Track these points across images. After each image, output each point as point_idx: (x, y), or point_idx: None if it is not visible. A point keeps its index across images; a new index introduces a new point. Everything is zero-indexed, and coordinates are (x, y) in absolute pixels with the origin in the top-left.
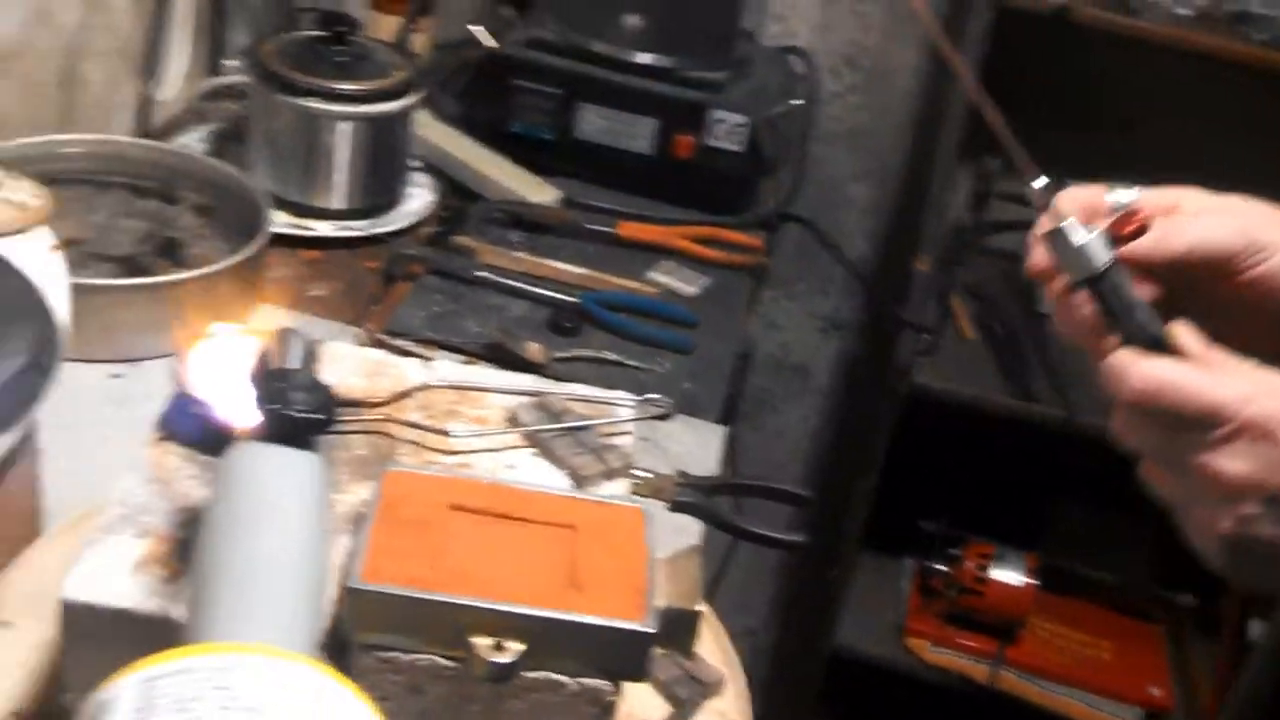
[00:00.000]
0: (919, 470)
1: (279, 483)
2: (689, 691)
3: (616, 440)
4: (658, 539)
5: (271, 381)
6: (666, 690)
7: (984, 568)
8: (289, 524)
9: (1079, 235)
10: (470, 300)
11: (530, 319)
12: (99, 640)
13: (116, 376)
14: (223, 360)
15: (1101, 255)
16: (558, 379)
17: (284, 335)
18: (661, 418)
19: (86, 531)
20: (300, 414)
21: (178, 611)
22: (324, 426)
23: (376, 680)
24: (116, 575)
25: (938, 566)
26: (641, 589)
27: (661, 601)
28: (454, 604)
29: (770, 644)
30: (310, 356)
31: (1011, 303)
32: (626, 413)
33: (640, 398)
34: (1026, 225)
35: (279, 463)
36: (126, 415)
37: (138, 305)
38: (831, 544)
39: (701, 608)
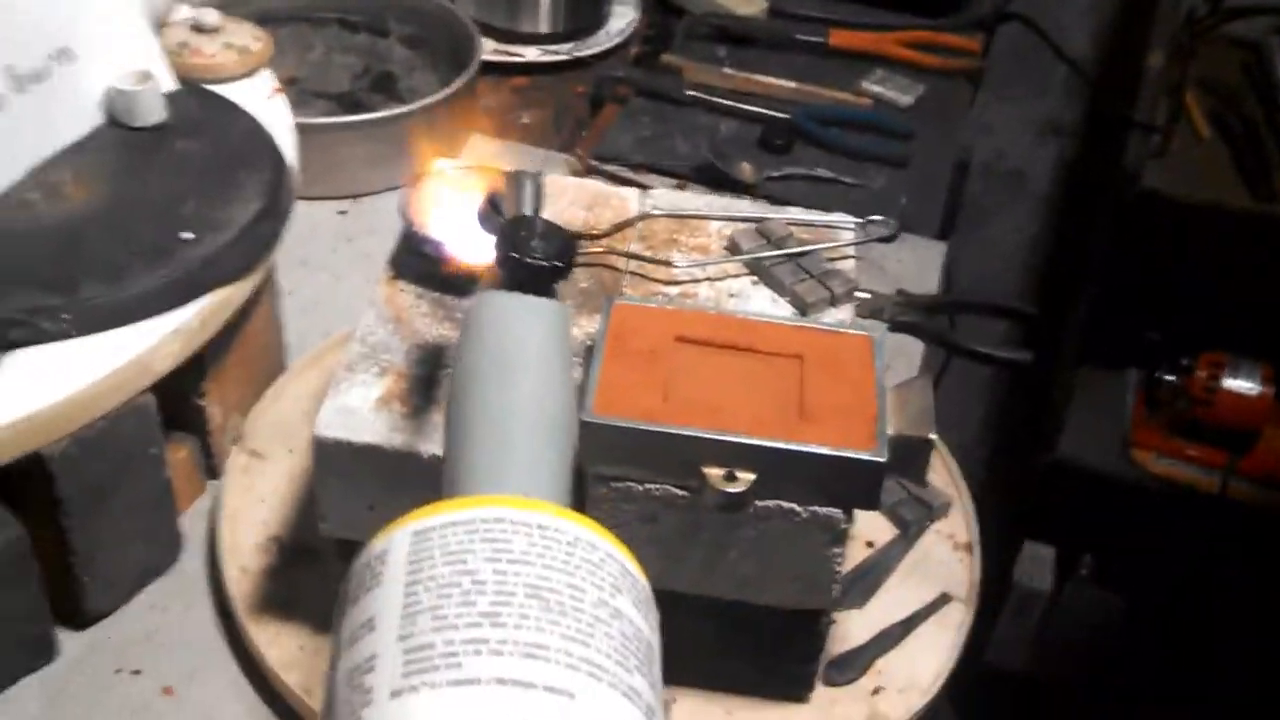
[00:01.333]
0: (1145, 277)
1: (526, 332)
2: (915, 514)
3: (839, 265)
4: (886, 367)
5: (511, 229)
6: (893, 513)
7: (1216, 377)
8: (539, 372)
9: None
10: (679, 121)
11: (741, 137)
12: (348, 473)
13: (342, 213)
14: (449, 197)
15: None
16: (771, 198)
17: (516, 178)
18: (885, 239)
19: (329, 367)
20: (541, 261)
21: (421, 445)
22: (564, 274)
23: (610, 509)
24: (362, 412)
25: (1166, 377)
26: (872, 418)
27: (892, 430)
28: (685, 435)
29: (989, 454)
30: (540, 198)
31: (1251, 96)
32: (849, 236)
33: (863, 220)
34: (1269, 10)
35: (525, 311)
36: (354, 250)
37: (358, 141)
38: (1052, 356)
39: (933, 436)
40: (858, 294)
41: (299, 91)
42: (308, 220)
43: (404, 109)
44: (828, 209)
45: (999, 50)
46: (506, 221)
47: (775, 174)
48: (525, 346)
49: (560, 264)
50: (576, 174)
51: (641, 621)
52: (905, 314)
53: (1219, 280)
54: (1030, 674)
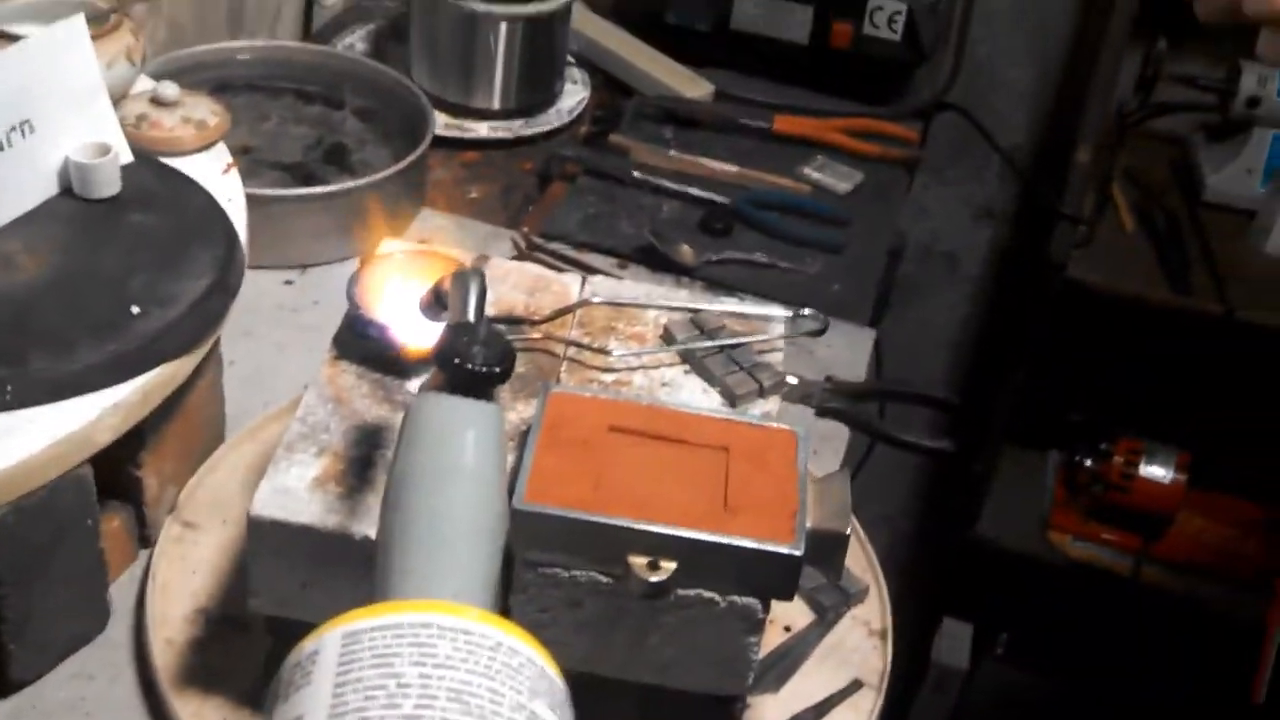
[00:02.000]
0: (1068, 362)
1: (463, 436)
2: (832, 600)
3: (769, 357)
4: (809, 460)
5: (454, 334)
6: (811, 599)
7: (1133, 464)
8: (473, 477)
9: None
10: (624, 201)
11: (683, 219)
12: (282, 552)
13: (289, 283)
14: (396, 281)
15: None
16: (709, 281)
17: (460, 280)
18: (815, 334)
19: (268, 440)
20: (481, 368)
21: (355, 527)
22: (503, 379)
23: (537, 594)
24: (298, 492)
25: (1085, 461)
26: (792, 511)
27: (811, 523)
28: (613, 525)
29: (910, 532)
30: (483, 300)
31: (1175, 190)
32: (779, 328)
33: (793, 312)
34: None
35: (463, 415)
36: (298, 321)
37: (309, 213)
38: (976, 435)
39: (849, 530)
40: (787, 381)
41: (252, 161)
42: (253, 289)
43: (355, 182)
44: (763, 293)
45: (937, 137)
46: (450, 326)
47: (714, 257)
48: (461, 451)
49: (500, 370)
50: (521, 251)
51: None
52: (833, 400)
53: (1139, 369)
54: None
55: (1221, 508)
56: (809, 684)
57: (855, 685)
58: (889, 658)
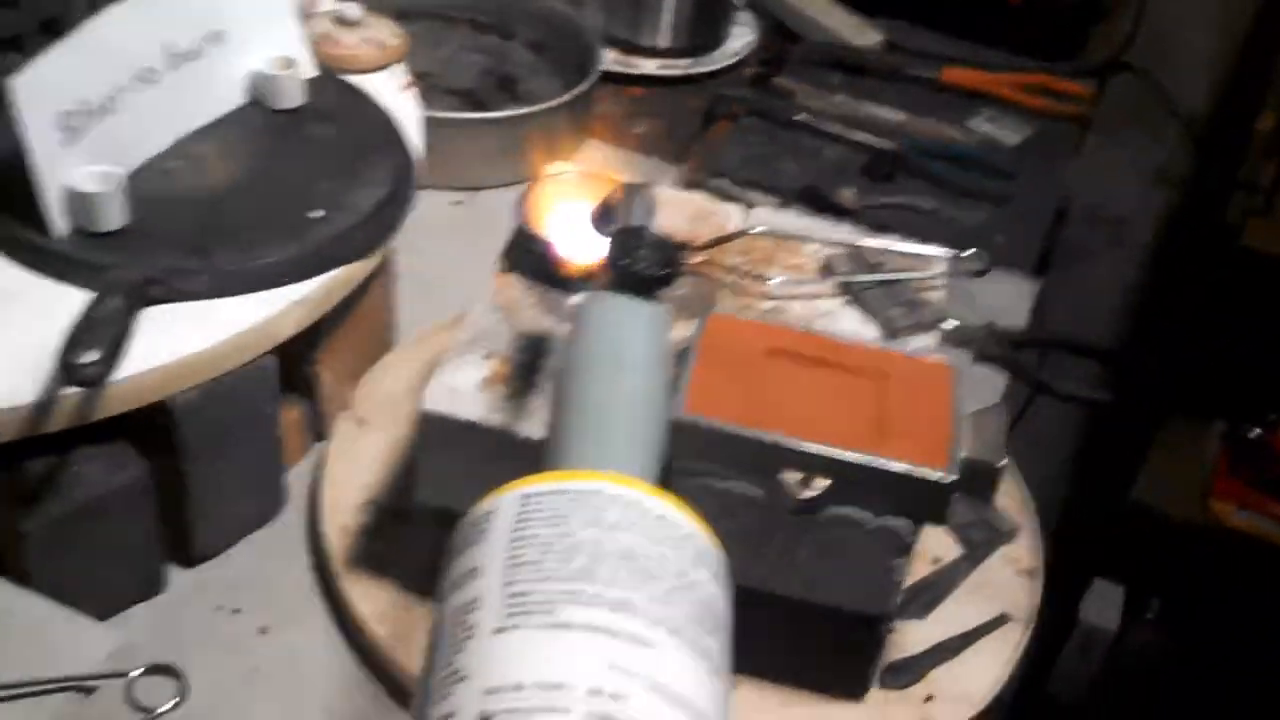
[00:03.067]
0: (1237, 332)
1: (630, 332)
2: (983, 535)
3: (929, 294)
4: (966, 394)
5: (622, 238)
6: (961, 534)
7: None
8: (639, 369)
9: None
10: (788, 143)
11: (846, 164)
12: (449, 447)
13: (457, 204)
14: (563, 200)
15: None
16: (871, 225)
17: (629, 189)
18: (978, 274)
19: (436, 349)
20: (648, 270)
21: (518, 426)
22: (668, 282)
23: (691, 503)
24: (466, 391)
25: (1252, 431)
26: (946, 440)
27: (964, 453)
28: (767, 441)
29: (1065, 489)
30: (650, 210)
31: None
32: (941, 267)
33: (956, 253)
34: None
35: (630, 313)
36: (465, 241)
37: (479, 138)
38: (1137, 392)
39: (1003, 463)
40: (947, 323)
41: (427, 86)
42: (426, 208)
43: (524, 110)
44: (925, 240)
45: (1112, 98)
46: (618, 230)
47: (876, 202)
48: (629, 345)
49: (665, 273)
50: (685, 187)
51: (717, 592)
52: (992, 347)
53: None
54: (1090, 709)
55: None
56: (956, 615)
57: (1001, 619)
58: (1037, 596)
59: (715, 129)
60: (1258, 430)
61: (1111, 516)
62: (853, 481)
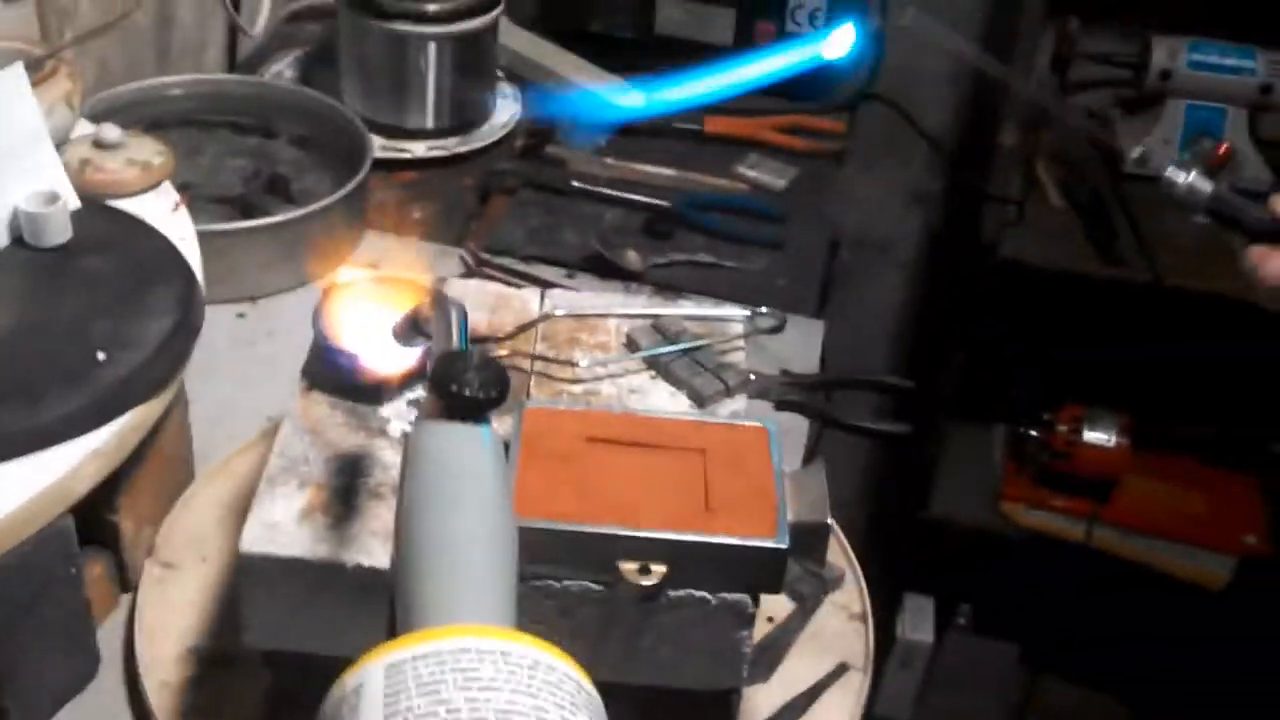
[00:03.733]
0: (1007, 338)
1: (467, 461)
2: (811, 588)
3: (731, 357)
4: (783, 455)
5: (447, 363)
6: (790, 589)
7: (1076, 430)
8: (483, 499)
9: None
10: (567, 211)
11: (626, 225)
12: (274, 585)
13: (240, 315)
14: (359, 308)
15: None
16: (658, 285)
17: (442, 308)
18: (773, 331)
19: (238, 474)
20: (480, 394)
21: (345, 555)
22: (500, 403)
23: (530, 606)
24: (285, 526)
25: (1030, 432)
26: (772, 506)
27: (792, 517)
28: (602, 534)
29: (865, 514)
30: (464, 325)
31: (1097, 166)
32: (738, 328)
33: (750, 312)
34: (1108, 83)
35: (464, 441)
36: (254, 354)
37: (256, 245)
38: (923, 417)
39: (830, 520)
40: (743, 365)
41: (192, 197)
42: (206, 325)
43: (300, 212)
44: (712, 293)
45: (863, 128)
46: (441, 355)
47: (660, 260)
48: (468, 475)
49: (496, 395)
50: (470, 268)
51: None
52: (790, 393)
53: (1076, 339)
54: None
55: (1167, 467)
56: (797, 671)
57: (842, 668)
58: (871, 640)
59: (492, 205)
60: (1034, 432)
61: (911, 532)
62: (689, 562)
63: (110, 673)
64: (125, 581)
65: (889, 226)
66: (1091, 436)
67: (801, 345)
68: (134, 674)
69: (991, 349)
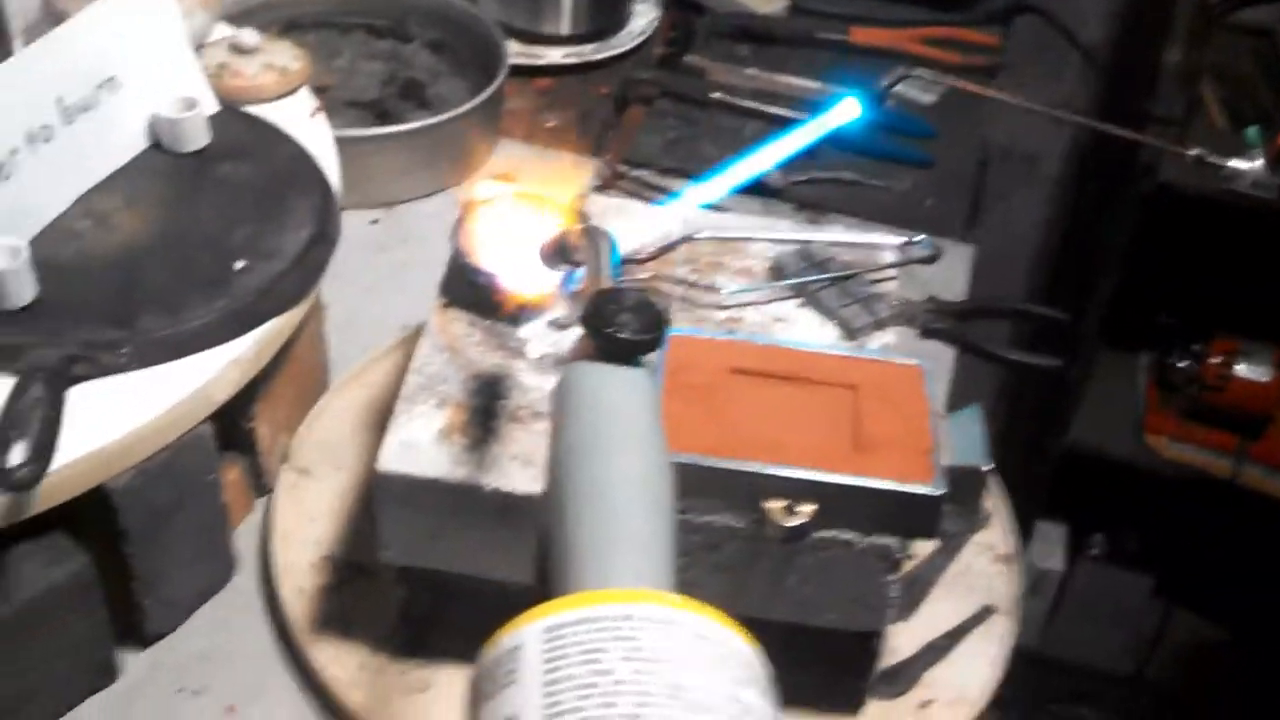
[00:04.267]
0: (1159, 264)
1: (622, 406)
2: (956, 526)
3: (882, 287)
4: (939, 396)
5: (602, 302)
6: None
7: (1228, 364)
8: (638, 447)
9: None
10: (705, 123)
11: (765, 138)
12: (410, 505)
13: (374, 222)
14: (499, 226)
15: None
16: (799, 202)
17: (593, 241)
18: (928, 260)
19: (372, 383)
20: (636, 337)
21: (482, 478)
22: (655, 346)
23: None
24: (423, 445)
25: (1179, 363)
26: (927, 449)
27: (947, 462)
28: (748, 471)
29: (1001, 434)
30: (616, 255)
31: (1264, 84)
32: (890, 256)
33: (904, 240)
34: None
35: (618, 384)
36: (387, 261)
37: (392, 152)
38: (1073, 345)
39: (988, 466)
40: (895, 297)
41: (327, 100)
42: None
43: (437, 119)
44: (855, 212)
45: (1015, 41)
46: (596, 294)
47: (801, 177)
48: (622, 421)
49: (653, 337)
50: (606, 180)
51: (767, 710)
52: (936, 321)
53: (1233, 269)
54: (1042, 651)
55: None
56: (939, 611)
57: (987, 611)
58: (1018, 583)
59: (628, 115)
60: (1183, 362)
61: (1050, 459)
62: (839, 504)
63: (246, 576)
64: (261, 486)
65: (1039, 144)
66: (1244, 370)
67: (948, 270)
68: (269, 578)
69: (1142, 275)
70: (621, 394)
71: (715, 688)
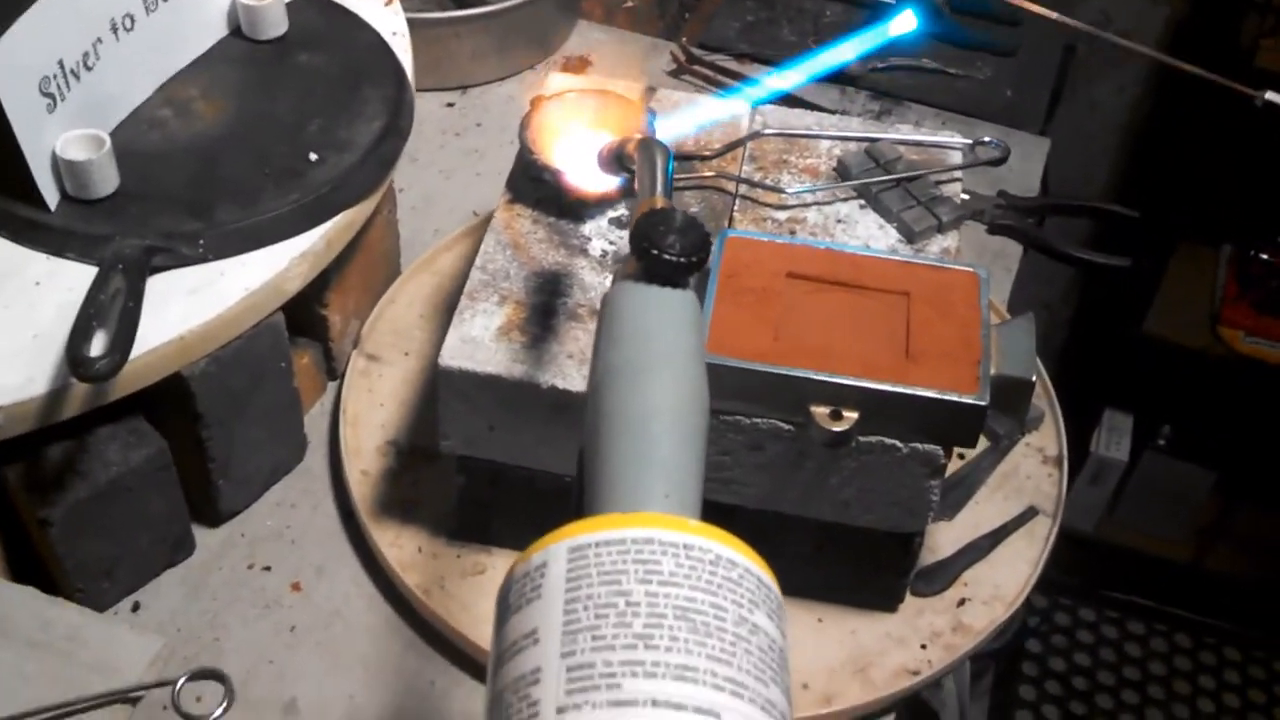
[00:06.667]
0: (1246, 154)
1: (662, 328)
2: (1007, 427)
3: (946, 189)
4: (1002, 298)
5: (648, 222)
6: (985, 427)
7: None
8: (675, 370)
9: None
10: (784, 5)
11: (845, 22)
12: (470, 399)
13: (449, 105)
14: (567, 123)
15: None
16: (874, 91)
17: (647, 155)
18: (996, 163)
19: (442, 269)
20: (678, 258)
21: (540, 376)
22: (699, 268)
23: (718, 437)
24: (483, 342)
25: (1260, 255)
26: (975, 359)
27: (995, 371)
28: (794, 376)
29: (1071, 318)
30: (670, 176)
31: None
32: (957, 158)
33: (972, 142)
34: None
35: (660, 306)
36: (461, 145)
37: (469, 35)
38: (1145, 244)
39: (1034, 377)
40: (960, 198)
41: None
42: (416, 114)
43: (515, 1)
44: (932, 102)
45: None
46: (643, 213)
47: (880, 64)
48: (661, 345)
49: (697, 259)
50: (681, 64)
51: (775, 632)
52: (1005, 217)
53: None
54: (1102, 538)
55: None
56: (983, 512)
57: (1031, 512)
58: (1064, 485)
59: None
60: (1265, 255)
61: (1120, 347)
62: (883, 411)
63: (316, 457)
64: (332, 371)
65: (1129, 24)
66: None
67: (1022, 164)
68: (337, 462)
69: (1229, 167)
70: (662, 317)
71: (725, 612)
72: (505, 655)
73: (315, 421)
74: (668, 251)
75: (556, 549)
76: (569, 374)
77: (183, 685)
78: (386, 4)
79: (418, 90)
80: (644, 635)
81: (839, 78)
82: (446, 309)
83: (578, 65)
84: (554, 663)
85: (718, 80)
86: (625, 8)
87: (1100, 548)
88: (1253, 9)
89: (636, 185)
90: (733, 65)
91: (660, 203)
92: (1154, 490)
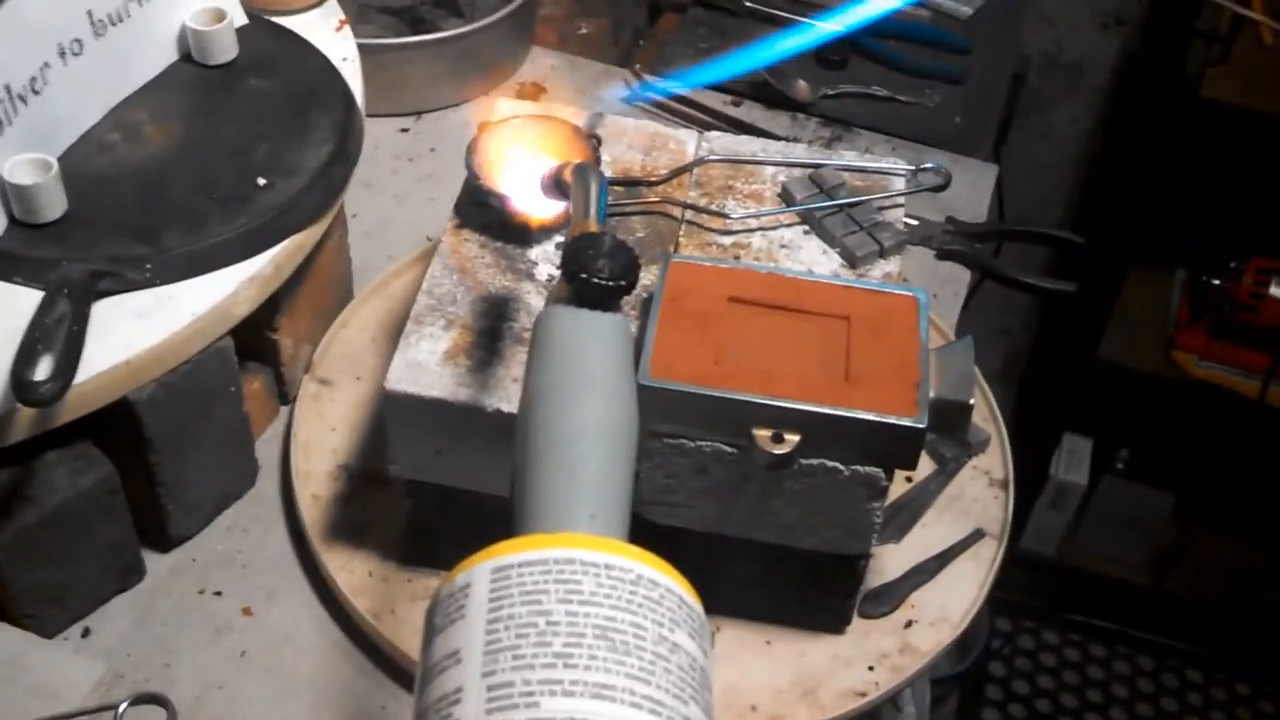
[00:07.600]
0: (1198, 181)
1: (591, 351)
2: (954, 450)
3: (889, 215)
4: (935, 327)
5: (578, 246)
6: (933, 449)
7: (1263, 283)
8: (603, 393)
9: None
10: (737, 34)
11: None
12: (417, 423)
13: (403, 130)
14: (514, 148)
15: None
16: (826, 117)
17: (581, 180)
18: (938, 189)
19: (394, 294)
20: (607, 281)
21: (485, 400)
22: (629, 291)
23: (663, 461)
24: (429, 366)
25: (1213, 280)
26: (914, 382)
27: (933, 394)
28: (737, 400)
29: (1029, 344)
30: (603, 200)
31: None
32: (900, 184)
33: (914, 168)
34: None
35: (590, 329)
36: (415, 170)
37: (423, 60)
38: (1095, 269)
39: (972, 401)
40: (906, 221)
41: (361, 7)
42: (370, 139)
43: (469, 27)
44: (882, 129)
45: None
46: (574, 238)
47: (830, 91)
48: (590, 368)
49: (625, 283)
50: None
51: (697, 651)
52: (954, 242)
53: (1272, 188)
54: (1063, 561)
55: None
56: (930, 535)
57: (977, 534)
58: (1010, 508)
59: (662, 23)
60: (1217, 280)
61: (1076, 373)
62: (823, 433)
63: (268, 482)
64: (284, 395)
65: (1081, 54)
66: (1279, 292)
67: (971, 190)
68: (289, 485)
69: (1181, 192)
70: (591, 339)
71: (644, 631)
72: (429, 675)
73: (267, 446)
74: (597, 275)
75: (480, 570)
76: (515, 398)
77: (125, 711)
78: (338, 29)
79: (372, 116)
80: (563, 654)
81: (789, 104)
82: (398, 334)
83: (532, 91)
84: (475, 682)
85: (668, 106)
86: (579, 34)
87: (1062, 571)
88: (1199, 39)
89: (569, 209)
90: (684, 92)
91: (592, 226)
92: (1113, 514)
